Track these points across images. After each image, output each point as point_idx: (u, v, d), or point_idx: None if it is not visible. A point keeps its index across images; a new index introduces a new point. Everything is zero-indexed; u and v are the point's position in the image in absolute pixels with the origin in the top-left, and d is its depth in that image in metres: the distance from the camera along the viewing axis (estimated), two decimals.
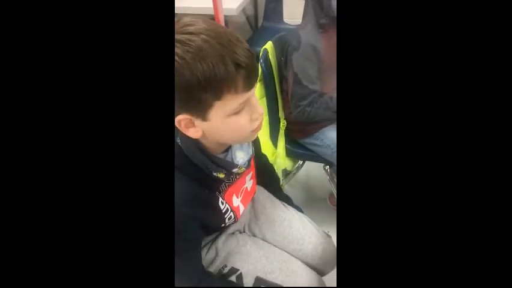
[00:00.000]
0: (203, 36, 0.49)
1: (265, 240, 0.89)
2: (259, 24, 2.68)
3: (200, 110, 0.53)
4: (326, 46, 1.12)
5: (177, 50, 0.48)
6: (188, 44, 0.48)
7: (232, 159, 0.67)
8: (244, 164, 0.68)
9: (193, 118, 0.55)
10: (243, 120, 0.57)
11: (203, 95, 0.51)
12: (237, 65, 0.50)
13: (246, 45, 0.52)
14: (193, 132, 0.57)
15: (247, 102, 0.56)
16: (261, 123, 0.61)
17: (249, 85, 0.53)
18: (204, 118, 0.55)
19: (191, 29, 0.50)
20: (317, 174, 1.76)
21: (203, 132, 0.58)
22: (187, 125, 0.56)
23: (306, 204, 1.63)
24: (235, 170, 0.68)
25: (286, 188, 1.45)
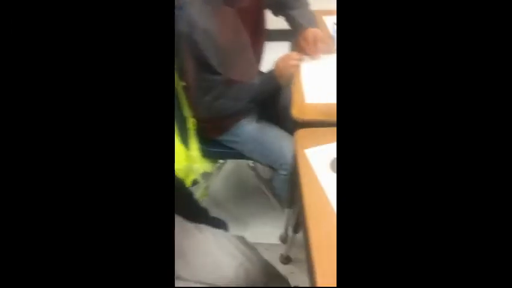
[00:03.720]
0: None
1: (178, 279, 0.75)
2: None
3: None
4: (221, 25, 0.93)
5: None
6: None
7: None
8: None
9: None
10: None
11: None
12: None
13: None
14: None
15: None
16: None
17: None
18: None
19: None
20: (245, 163, 1.64)
21: None
22: None
23: (239, 198, 1.53)
24: None
25: (213, 189, 1.30)
